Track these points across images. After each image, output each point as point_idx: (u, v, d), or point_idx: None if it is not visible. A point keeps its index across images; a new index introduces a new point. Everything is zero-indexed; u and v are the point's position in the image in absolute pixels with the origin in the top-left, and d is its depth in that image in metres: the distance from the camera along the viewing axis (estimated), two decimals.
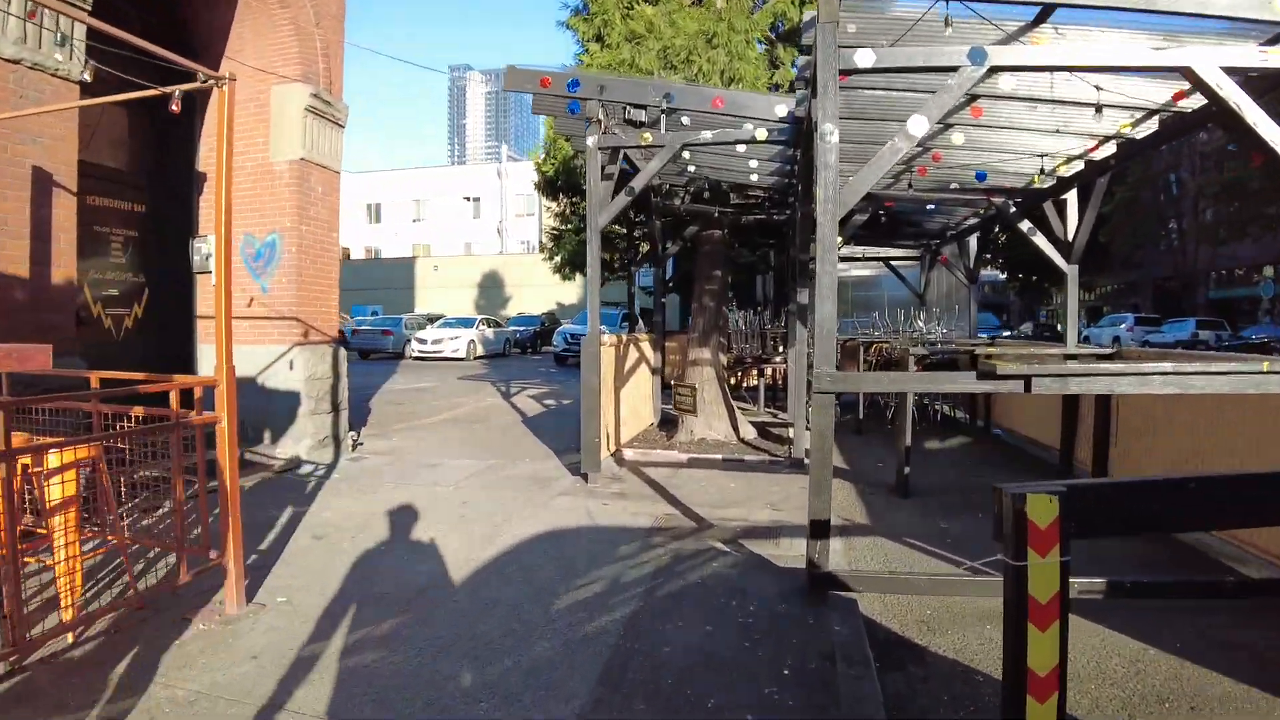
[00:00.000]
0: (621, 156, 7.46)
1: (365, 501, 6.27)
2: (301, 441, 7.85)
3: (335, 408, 8.21)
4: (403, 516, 5.78)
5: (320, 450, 7.96)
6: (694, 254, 10.60)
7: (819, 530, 3.84)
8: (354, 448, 8.47)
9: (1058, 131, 6.29)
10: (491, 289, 50.41)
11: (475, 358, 25.71)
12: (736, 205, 10.41)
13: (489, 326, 27.92)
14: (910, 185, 7.60)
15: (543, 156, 15.06)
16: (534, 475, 7.20)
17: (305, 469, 7.53)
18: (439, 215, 56.55)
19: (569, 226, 19.04)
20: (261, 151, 8.05)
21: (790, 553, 4.89)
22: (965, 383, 3.65)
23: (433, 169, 59.21)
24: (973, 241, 11.85)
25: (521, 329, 31.88)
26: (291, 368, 7.86)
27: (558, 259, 20.88)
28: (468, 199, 56.38)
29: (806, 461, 7.65)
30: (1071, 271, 7.60)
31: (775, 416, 11.61)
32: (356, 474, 7.36)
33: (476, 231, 56.11)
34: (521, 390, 15.42)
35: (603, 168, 6.93)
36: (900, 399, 7.15)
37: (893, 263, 15.61)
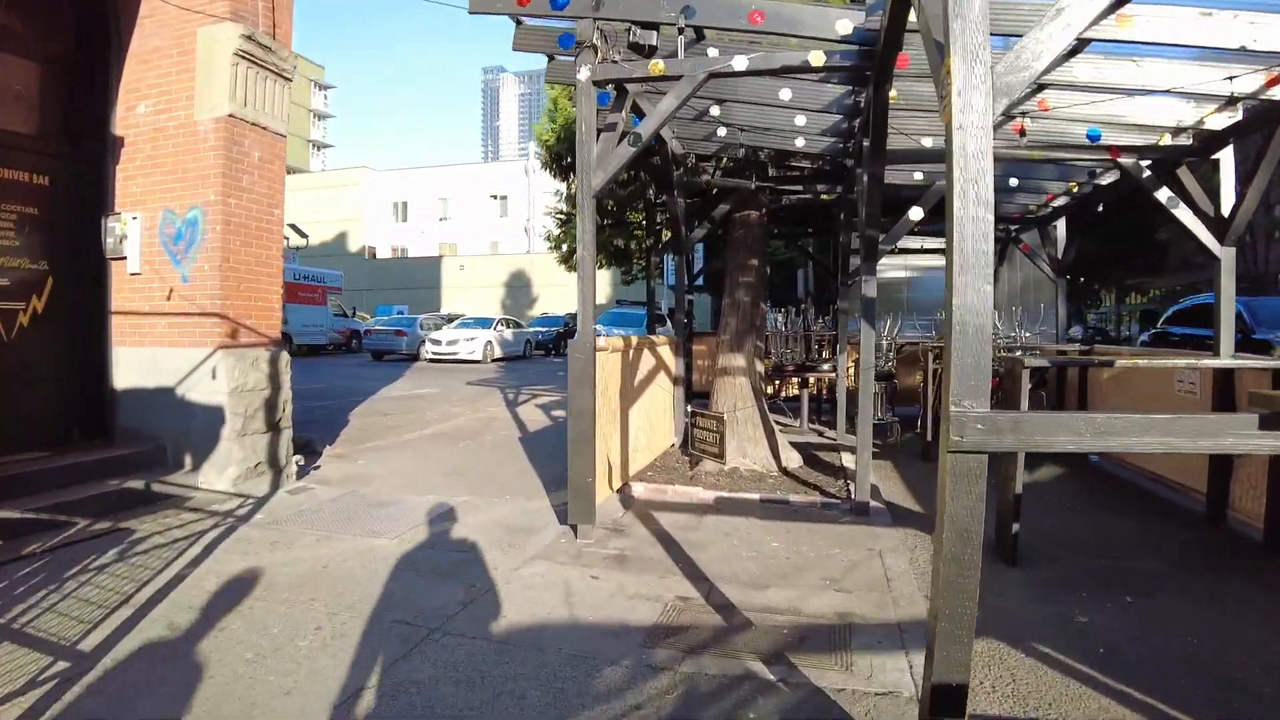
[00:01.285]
0: (628, 106, 5.72)
1: (270, 563, 4.59)
2: (225, 470, 6.21)
3: (273, 427, 6.56)
4: (302, 595, 4.08)
5: (251, 480, 6.32)
6: (725, 240, 8.83)
7: (948, 704, 2.05)
8: (298, 476, 6.83)
9: (1242, 49, 4.41)
10: (518, 289, 49.08)
11: (492, 360, 24.15)
12: (776, 179, 8.61)
13: (508, 327, 26.31)
14: (1024, 133, 5.75)
15: (548, 128, 13.24)
16: (510, 523, 5.47)
17: (225, 506, 5.90)
18: (466, 214, 55.38)
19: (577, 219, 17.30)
20: (186, 108, 6.44)
21: (872, 687, 3.09)
22: (1242, 437, 1.84)
23: (460, 166, 57.95)
24: (1060, 227, 9.92)
25: (544, 330, 30.26)
26: (214, 377, 6.23)
27: (565, 247, 18.77)
28: (495, 197, 55.11)
29: (872, 504, 5.87)
30: (1226, 256, 5.73)
31: (821, 435, 9.79)
32: (284, 516, 5.70)
33: (503, 230, 54.84)
34: (531, 398, 13.74)
35: (600, 129, 5.21)
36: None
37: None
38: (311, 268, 30.34)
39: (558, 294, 45.80)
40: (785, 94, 6.17)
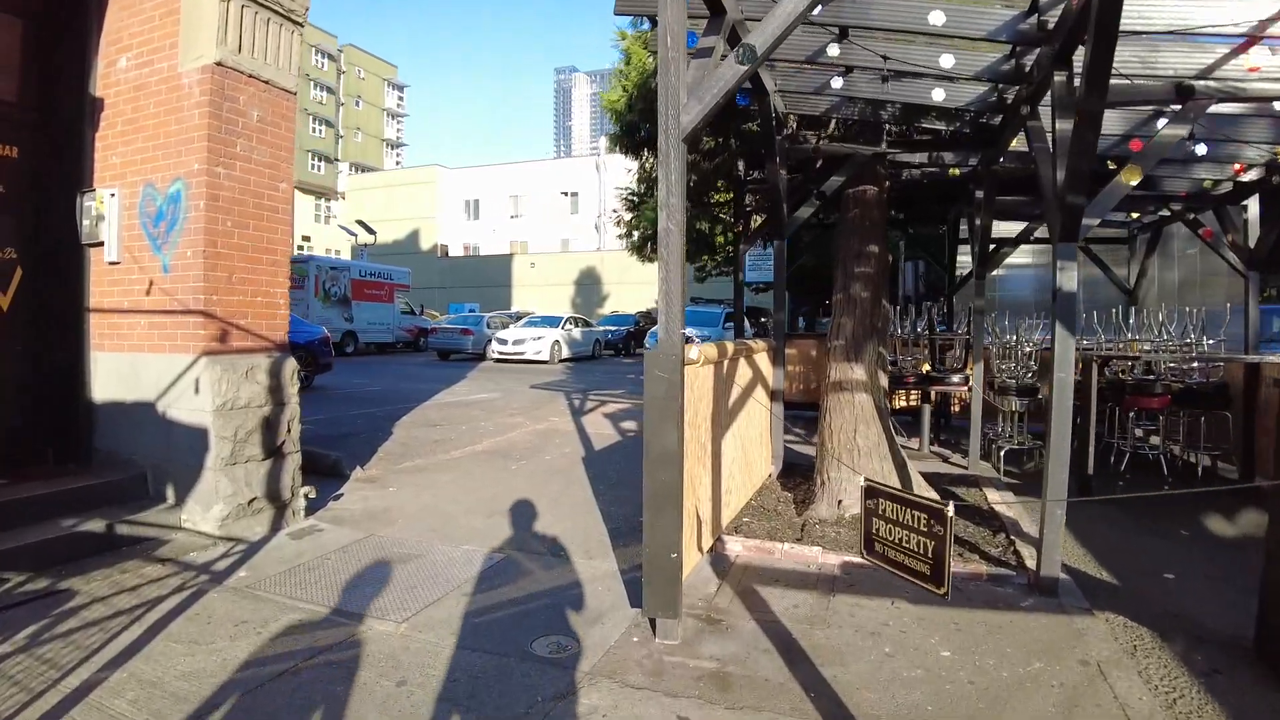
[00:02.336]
0: (726, 31, 4.19)
1: (222, 664, 3.23)
2: (211, 508, 4.92)
3: (273, 452, 5.25)
4: None
5: (244, 520, 5.02)
6: (829, 221, 7.21)
7: None
8: (308, 511, 5.50)
9: None
10: (588, 286, 48.02)
11: (559, 360, 22.90)
12: (898, 145, 6.93)
13: (577, 326, 24.99)
14: None
15: (619, 93, 11.42)
16: (562, 600, 3.98)
17: (204, 555, 4.61)
18: (537, 211, 54.61)
19: (650, 200, 14.98)
20: (169, 58, 5.19)
21: None
22: None
23: (531, 163, 57.14)
24: (1252, 207, 7.95)
25: (613, 329, 28.85)
26: (197, 391, 4.95)
27: (636, 234, 16.72)
28: (566, 194, 54.15)
29: (1061, 579, 4.21)
30: None
31: (946, 460, 8.08)
32: (273, 574, 4.36)
33: (574, 228, 53.86)
34: (599, 405, 12.33)
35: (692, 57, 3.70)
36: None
37: (1090, 247, 11.73)
38: (378, 264, 29.73)
39: (628, 292, 44.62)
40: (937, 17, 4.56)
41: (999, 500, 6.39)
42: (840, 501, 5.36)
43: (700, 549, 4.30)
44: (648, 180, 15.35)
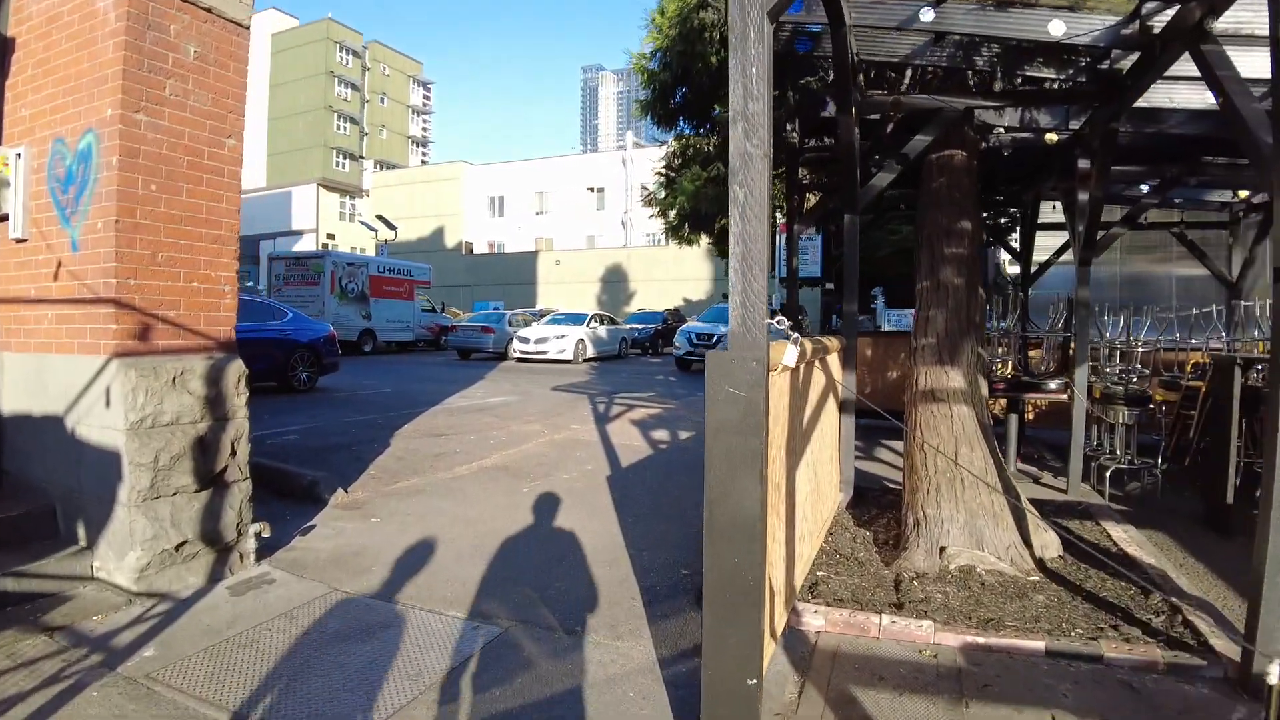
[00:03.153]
0: None
1: None
2: (126, 555, 3.79)
3: (211, 481, 4.10)
4: None
5: (171, 569, 3.88)
6: (890, 195, 5.93)
7: None
8: (258, 555, 4.34)
9: None
10: (614, 284, 46.86)
11: (584, 360, 21.72)
12: (1002, 96, 5.63)
13: (602, 324, 23.75)
14: None
15: (651, 44, 9.87)
16: (575, 715, 2.80)
17: (110, 622, 3.47)
18: (562, 207, 53.56)
19: (688, 171, 13.39)
20: None
21: None
22: None
23: (556, 159, 56.01)
24: None
25: (641, 327, 27.61)
26: (108, 403, 3.82)
27: (672, 214, 15.11)
28: (591, 189, 52.98)
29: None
30: None
31: (1036, 481, 6.82)
32: (188, 656, 3.20)
33: (600, 224, 52.72)
34: (626, 410, 11.12)
35: None
36: None
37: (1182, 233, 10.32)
38: (398, 260, 28.76)
39: (655, 289, 43.53)
40: None
41: (1125, 537, 5.12)
42: (943, 549, 4.10)
43: (774, 635, 3.06)
44: (683, 153, 13.92)
